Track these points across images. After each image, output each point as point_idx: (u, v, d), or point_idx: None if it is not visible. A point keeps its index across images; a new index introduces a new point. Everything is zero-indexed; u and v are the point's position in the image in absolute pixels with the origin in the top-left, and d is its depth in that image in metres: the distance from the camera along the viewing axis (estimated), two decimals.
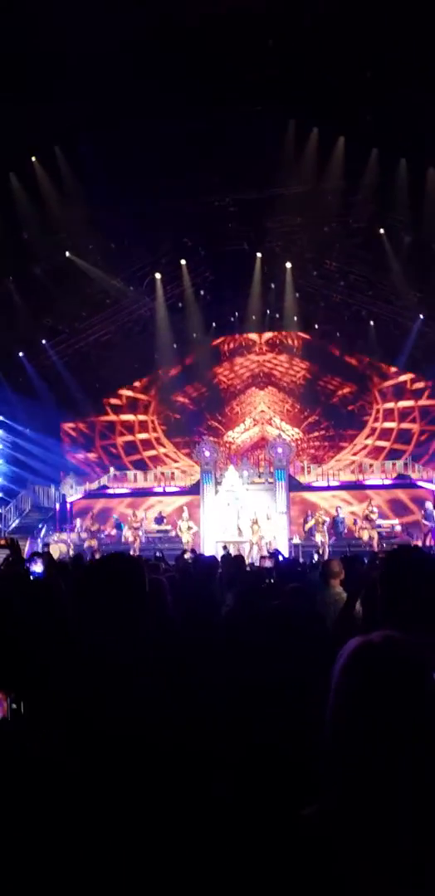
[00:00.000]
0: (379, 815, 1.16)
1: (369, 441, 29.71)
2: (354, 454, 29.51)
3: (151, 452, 30.83)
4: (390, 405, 29.14)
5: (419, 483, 25.31)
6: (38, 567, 7.42)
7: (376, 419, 29.86)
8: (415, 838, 1.14)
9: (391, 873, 1.15)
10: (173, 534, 23.86)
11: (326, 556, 17.55)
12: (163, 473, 28.19)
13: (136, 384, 30.38)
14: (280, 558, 10.65)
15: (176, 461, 30.39)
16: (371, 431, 29.83)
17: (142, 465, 29.34)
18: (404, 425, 28.73)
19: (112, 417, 30.42)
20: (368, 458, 28.44)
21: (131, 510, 24.25)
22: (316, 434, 30.92)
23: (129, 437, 30.68)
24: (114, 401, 30.21)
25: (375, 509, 23.07)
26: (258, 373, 31.50)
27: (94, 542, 22.34)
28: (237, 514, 22.45)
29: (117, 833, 1.81)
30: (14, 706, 2.34)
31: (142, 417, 30.98)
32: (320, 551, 20.39)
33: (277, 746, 1.94)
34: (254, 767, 1.88)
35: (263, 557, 9.54)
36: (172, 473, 28.04)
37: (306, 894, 1.23)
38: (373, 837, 1.16)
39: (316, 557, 18.13)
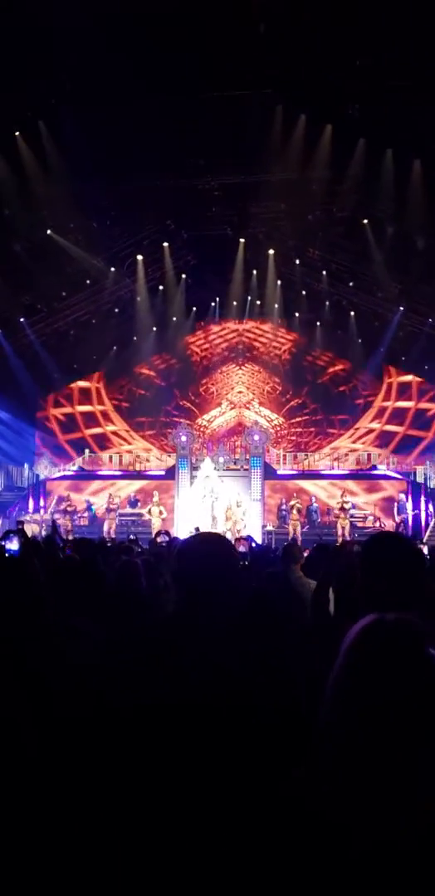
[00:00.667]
0: (381, 781, 1.21)
1: (376, 425, 29.27)
2: (357, 440, 29.24)
3: (95, 430, 30.19)
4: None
5: (392, 475, 25.53)
6: (13, 545, 7.35)
7: (387, 397, 29.31)
8: (416, 804, 1.20)
9: (387, 835, 1.20)
10: (147, 517, 23.85)
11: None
12: (138, 457, 28.13)
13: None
14: (253, 545, 10.71)
15: (129, 442, 29.94)
16: (378, 413, 29.45)
17: (80, 445, 29.10)
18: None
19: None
20: (373, 448, 28.44)
21: (109, 493, 24.19)
22: (299, 419, 30.24)
23: (67, 410, 30.18)
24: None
25: (350, 499, 23.25)
26: (237, 344, 30.88)
27: (68, 523, 22.25)
28: (211, 506, 22.48)
29: (99, 809, 1.80)
30: None
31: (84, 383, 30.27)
32: (291, 539, 20.50)
33: (261, 717, 1.94)
34: (241, 736, 1.88)
35: (237, 540, 9.57)
36: (147, 458, 27.98)
37: (294, 853, 1.28)
38: (372, 799, 1.22)
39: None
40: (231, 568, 2.18)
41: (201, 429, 29.88)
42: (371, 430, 28.97)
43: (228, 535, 20.25)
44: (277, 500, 24.51)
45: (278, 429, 30.16)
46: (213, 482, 23.08)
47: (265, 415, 30.47)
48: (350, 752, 1.24)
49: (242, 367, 30.99)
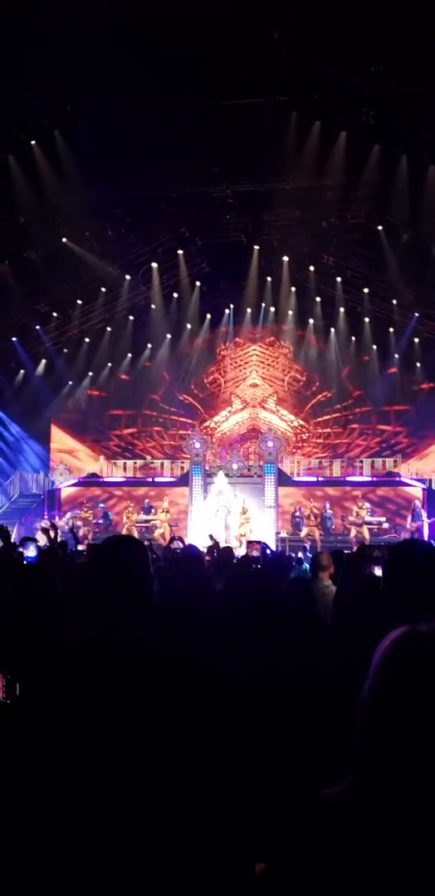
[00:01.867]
0: (411, 798, 1.15)
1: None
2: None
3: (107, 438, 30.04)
4: None
5: (407, 481, 25.40)
6: (30, 552, 7.39)
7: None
8: None
9: (413, 853, 1.15)
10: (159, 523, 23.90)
11: (318, 550, 17.61)
12: (152, 464, 28.13)
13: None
14: (268, 552, 10.67)
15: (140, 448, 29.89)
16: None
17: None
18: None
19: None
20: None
21: (128, 502, 24.27)
22: (328, 417, 29.33)
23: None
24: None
25: (368, 506, 23.20)
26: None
27: (88, 530, 22.33)
28: (225, 520, 22.38)
29: (113, 814, 1.79)
30: (10, 687, 2.33)
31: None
32: (308, 546, 20.47)
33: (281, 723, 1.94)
34: (261, 743, 1.88)
35: (250, 543, 9.51)
36: (162, 464, 27.96)
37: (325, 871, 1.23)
38: (401, 818, 1.16)
39: (304, 552, 18.15)
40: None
41: (209, 431, 29.20)
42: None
43: (243, 542, 20.28)
44: (292, 507, 24.45)
45: (299, 430, 29.61)
46: (227, 497, 23.00)
47: (283, 415, 29.68)
48: (387, 775, 1.18)
49: (258, 348, 29.97)
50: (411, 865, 1.15)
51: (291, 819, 1.49)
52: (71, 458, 29.11)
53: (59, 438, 29.52)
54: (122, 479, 26.94)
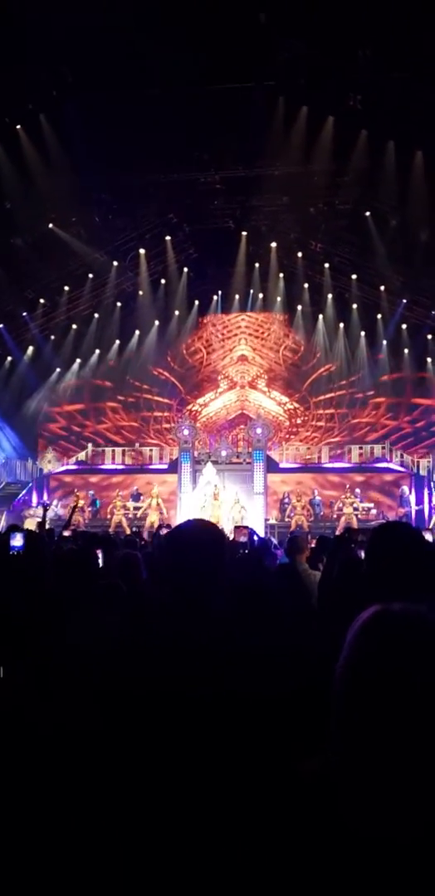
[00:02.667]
0: (387, 771, 1.17)
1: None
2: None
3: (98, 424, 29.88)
4: None
5: (395, 468, 25.50)
6: (17, 541, 7.34)
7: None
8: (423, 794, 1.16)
9: (392, 827, 1.17)
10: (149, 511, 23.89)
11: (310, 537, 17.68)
12: (141, 452, 28.08)
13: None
14: (255, 538, 10.69)
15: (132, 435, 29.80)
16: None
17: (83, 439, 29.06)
18: None
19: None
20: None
21: (117, 490, 24.23)
22: (326, 396, 28.89)
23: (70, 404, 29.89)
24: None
25: (358, 491, 23.31)
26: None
27: (79, 519, 22.20)
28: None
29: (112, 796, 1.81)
30: None
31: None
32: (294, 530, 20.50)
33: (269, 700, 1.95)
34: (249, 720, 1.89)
35: (237, 528, 9.50)
36: (151, 452, 27.92)
37: (303, 842, 1.25)
38: (378, 791, 1.17)
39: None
40: (221, 556, 2.17)
41: (192, 415, 28.88)
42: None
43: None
44: (280, 493, 24.50)
45: (293, 414, 29.30)
46: (216, 487, 22.94)
47: (275, 398, 29.39)
48: (357, 749, 1.20)
49: (247, 317, 29.49)
50: (387, 837, 1.17)
51: (269, 793, 1.50)
52: (58, 444, 29.04)
53: (47, 425, 29.41)
54: (111, 467, 26.90)
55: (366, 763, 1.19)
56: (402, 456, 26.66)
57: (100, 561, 5.56)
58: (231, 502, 22.49)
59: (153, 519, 22.11)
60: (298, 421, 29.28)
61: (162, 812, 1.78)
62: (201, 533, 2.28)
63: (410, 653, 1.20)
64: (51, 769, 2.00)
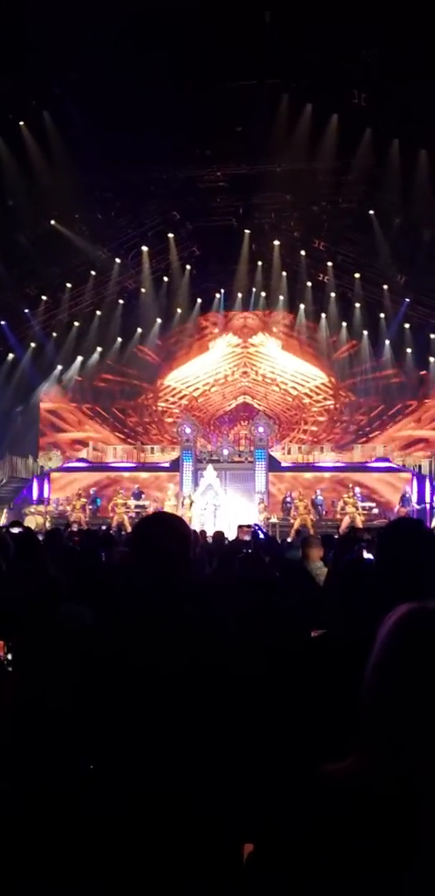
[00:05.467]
0: (423, 771, 1.16)
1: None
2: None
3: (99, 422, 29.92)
4: None
5: (397, 467, 25.47)
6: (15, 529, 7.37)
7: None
8: None
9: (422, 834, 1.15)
10: (151, 509, 23.81)
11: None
12: (141, 449, 28.07)
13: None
14: (260, 535, 10.68)
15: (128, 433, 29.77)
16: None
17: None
18: None
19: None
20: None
21: (118, 489, 24.19)
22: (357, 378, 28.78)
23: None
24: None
25: (358, 491, 23.26)
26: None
27: (81, 516, 22.17)
28: (214, 514, 22.27)
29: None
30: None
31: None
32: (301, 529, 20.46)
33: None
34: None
35: (240, 527, 9.45)
36: (152, 449, 27.91)
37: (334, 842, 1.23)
38: (411, 797, 1.17)
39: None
40: (186, 544, 2.21)
41: (170, 393, 29.60)
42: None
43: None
44: (283, 492, 24.48)
45: (317, 394, 29.20)
46: (217, 491, 22.88)
47: (292, 367, 29.53)
48: (399, 748, 1.19)
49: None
50: (418, 840, 1.15)
51: (290, 795, 1.48)
52: (59, 441, 29.04)
53: (48, 422, 29.40)
54: (113, 464, 26.90)
55: (403, 758, 1.18)
56: (403, 455, 26.63)
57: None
58: (260, 507, 22.52)
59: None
60: (329, 404, 29.10)
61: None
62: (168, 523, 2.31)
63: None
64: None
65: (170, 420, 28.83)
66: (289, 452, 27.47)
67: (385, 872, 1.16)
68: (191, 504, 22.22)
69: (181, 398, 29.55)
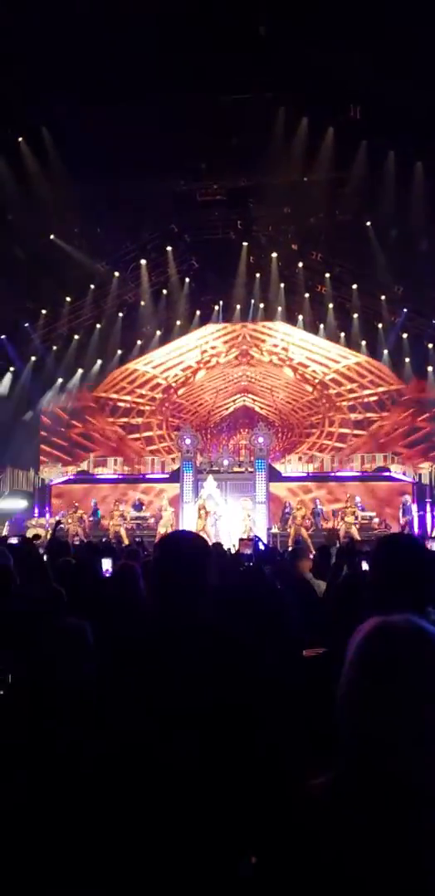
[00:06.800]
0: (395, 785, 1.18)
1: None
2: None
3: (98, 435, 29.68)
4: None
5: (398, 477, 25.46)
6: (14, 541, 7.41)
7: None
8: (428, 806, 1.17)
9: (402, 841, 1.17)
10: (152, 520, 23.83)
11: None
12: (142, 460, 28.05)
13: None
14: (260, 546, 10.69)
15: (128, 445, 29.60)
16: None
17: (84, 449, 28.99)
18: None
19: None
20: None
21: (114, 501, 24.16)
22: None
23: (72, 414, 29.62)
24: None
25: (358, 500, 23.24)
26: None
27: (80, 529, 22.14)
28: (214, 524, 22.17)
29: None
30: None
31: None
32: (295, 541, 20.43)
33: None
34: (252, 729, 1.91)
35: (241, 541, 9.46)
36: (152, 461, 27.90)
37: (314, 860, 1.25)
38: (387, 805, 1.18)
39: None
40: (205, 566, 2.27)
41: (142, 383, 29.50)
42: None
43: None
44: (282, 502, 24.46)
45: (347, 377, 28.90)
46: (217, 501, 22.80)
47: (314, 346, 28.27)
48: (364, 762, 1.21)
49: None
50: (398, 850, 1.17)
51: (278, 809, 1.51)
52: (60, 455, 29.03)
53: (49, 435, 29.40)
54: (114, 476, 26.90)
55: (372, 772, 1.19)
56: (404, 465, 26.62)
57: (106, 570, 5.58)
58: (243, 516, 22.41)
59: (164, 530, 22.09)
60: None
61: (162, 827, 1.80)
62: (187, 544, 2.36)
63: (410, 664, 1.21)
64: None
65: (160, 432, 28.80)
66: (289, 462, 27.46)
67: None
68: (207, 514, 22.01)
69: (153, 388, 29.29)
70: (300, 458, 27.79)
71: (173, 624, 2.09)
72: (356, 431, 28.47)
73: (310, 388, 28.96)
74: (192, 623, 2.11)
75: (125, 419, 29.62)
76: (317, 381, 28.75)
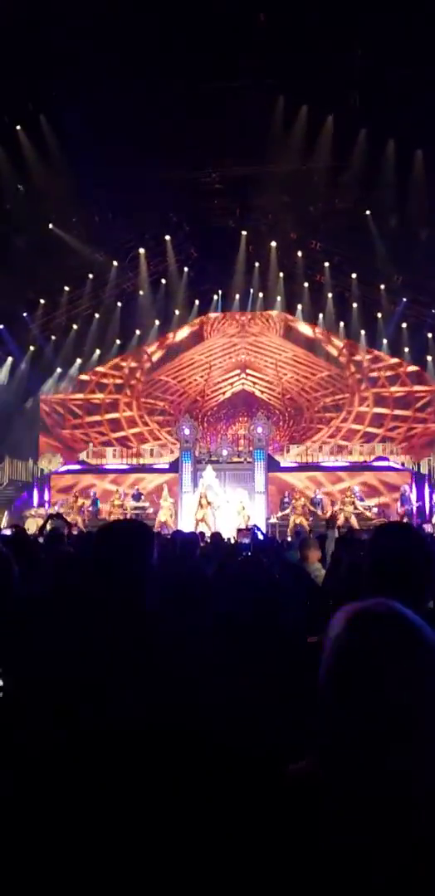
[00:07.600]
0: (373, 772, 1.16)
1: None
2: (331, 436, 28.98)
3: (97, 424, 29.74)
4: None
5: (396, 466, 25.48)
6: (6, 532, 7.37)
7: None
8: (408, 795, 1.16)
9: (379, 827, 1.16)
10: (151, 511, 23.81)
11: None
12: (141, 450, 28.05)
13: (117, 360, 29.85)
14: (259, 536, 10.69)
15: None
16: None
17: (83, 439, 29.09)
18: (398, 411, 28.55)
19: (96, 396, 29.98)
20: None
21: (115, 486, 24.17)
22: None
23: (114, 415, 30.02)
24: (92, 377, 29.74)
25: (357, 490, 23.26)
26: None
27: (78, 518, 22.13)
28: (213, 515, 22.13)
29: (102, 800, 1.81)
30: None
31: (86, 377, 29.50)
32: (296, 530, 20.44)
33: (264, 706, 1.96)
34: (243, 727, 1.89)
35: (239, 531, 9.45)
36: (151, 451, 27.90)
37: (293, 849, 1.24)
38: (364, 793, 1.17)
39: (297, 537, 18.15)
40: (147, 555, 2.27)
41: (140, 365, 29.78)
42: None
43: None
44: (280, 491, 24.46)
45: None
46: (216, 491, 22.76)
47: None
48: (341, 751, 1.19)
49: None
50: (375, 839, 1.16)
51: (259, 796, 1.50)
52: (59, 444, 29.03)
53: (48, 425, 29.40)
54: (112, 467, 26.90)
55: (354, 765, 1.18)
56: (402, 454, 26.64)
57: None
58: (238, 508, 22.38)
59: (164, 519, 22.13)
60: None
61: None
62: (124, 532, 2.36)
63: (387, 650, 1.19)
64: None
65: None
66: (287, 452, 27.46)
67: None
68: (208, 503, 22.00)
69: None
70: (320, 448, 27.61)
71: (113, 609, 2.09)
72: (398, 411, 28.12)
73: (334, 352, 28.81)
74: (128, 611, 2.09)
75: (81, 395, 29.39)
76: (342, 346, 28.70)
